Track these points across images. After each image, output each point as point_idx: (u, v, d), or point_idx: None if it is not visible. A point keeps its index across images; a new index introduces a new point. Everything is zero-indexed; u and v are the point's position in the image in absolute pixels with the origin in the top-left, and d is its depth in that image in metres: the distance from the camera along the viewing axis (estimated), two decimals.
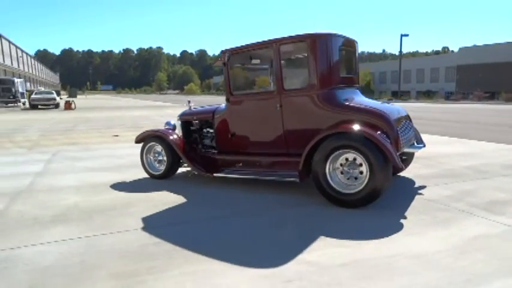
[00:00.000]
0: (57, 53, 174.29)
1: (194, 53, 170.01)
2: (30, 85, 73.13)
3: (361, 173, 3.82)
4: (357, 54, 4.88)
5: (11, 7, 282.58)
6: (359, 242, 3.02)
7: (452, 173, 5.40)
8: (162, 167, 5.23)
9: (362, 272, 2.53)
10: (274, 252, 2.85)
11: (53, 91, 32.01)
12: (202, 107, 5.70)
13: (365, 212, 3.72)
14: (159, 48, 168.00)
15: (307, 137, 4.07)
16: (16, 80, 33.46)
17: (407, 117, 4.69)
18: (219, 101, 6.25)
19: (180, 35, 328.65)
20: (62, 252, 2.89)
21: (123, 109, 25.12)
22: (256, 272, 2.56)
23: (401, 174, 5.23)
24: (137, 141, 5.49)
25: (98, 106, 31.25)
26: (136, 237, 3.18)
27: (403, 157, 4.86)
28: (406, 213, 3.68)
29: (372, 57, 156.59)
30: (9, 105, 31.48)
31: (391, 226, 3.35)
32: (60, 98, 33.59)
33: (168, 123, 5.52)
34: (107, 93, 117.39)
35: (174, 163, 5.11)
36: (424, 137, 8.39)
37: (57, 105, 27.91)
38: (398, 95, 42.86)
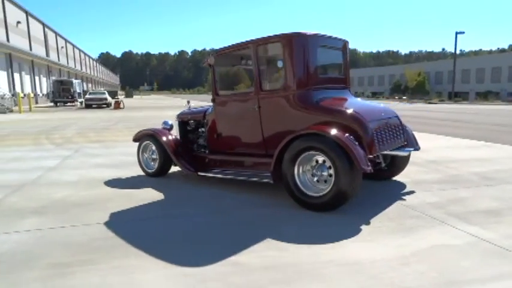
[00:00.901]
0: (118, 55, 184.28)
1: None
2: (92, 86, 78.05)
3: (330, 176, 3.71)
4: (347, 55, 4.73)
5: (79, 13, 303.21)
6: (302, 246, 2.95)
7: (455, 178, 5.06)
8: (156, 165, 5.40)
9: (283, 277, 2.47)
10: (209, 252, 2.86)
11: (105, 91, 33.89)
12: (201, 107, 5.81)
13: (331, 216, 3.61)
14: (212, 49, 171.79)
15: (283, 138, 4.02)
16: (74, 81, 35.92)
17: (396, 119, 4.46)
18: None
19: (232, 36, 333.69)
20: (18, 242, 3.10)
21: (166, 109, 25.97)
22: (180, 270, 2.59)
23: (398, 178, 5.00)
24: (134, 139, 5.71)
25: (145, 106, 32.60)
26: (92, 231, 3.32)
27: (382, 161, 4.66)
28: (374, 219, 3.52)
29: (430, 56, 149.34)
30: (68, 104, 33.81)
31: (347, 232, 3.22)
32: (117, 98, 35.60)
33: (165, 123, 5.69)
34: (162, 93, 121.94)
35: (166, 162, 5.26)
36: (450, 140, 7.97)
37: (108, 105, 29.55)
38: (452, 97, 40.51)
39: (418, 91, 52.09)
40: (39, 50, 44.20)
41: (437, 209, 3.81)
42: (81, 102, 34.49)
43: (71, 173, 5.71)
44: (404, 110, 22.77)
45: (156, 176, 5.39)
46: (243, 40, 4.44)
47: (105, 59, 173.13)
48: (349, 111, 3.87)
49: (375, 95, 60.82)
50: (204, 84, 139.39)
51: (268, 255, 2.81)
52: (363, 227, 3.34)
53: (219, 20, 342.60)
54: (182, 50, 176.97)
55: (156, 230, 3.37)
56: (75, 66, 61.98)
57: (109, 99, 30.00)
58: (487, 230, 3.21)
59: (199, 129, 5.45)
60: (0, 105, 25.37)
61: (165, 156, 5.21)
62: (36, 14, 44.52)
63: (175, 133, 5.57)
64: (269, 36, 4.22)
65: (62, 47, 56.59)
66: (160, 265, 2.66)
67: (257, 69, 4.33)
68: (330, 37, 4.43)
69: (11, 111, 24.99)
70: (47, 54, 47.96)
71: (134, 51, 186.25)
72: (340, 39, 4.64)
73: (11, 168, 6.21)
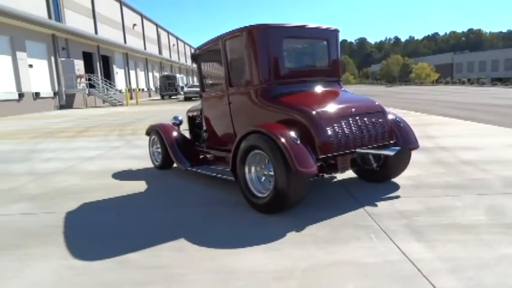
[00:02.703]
0: None
1: (354, 41, 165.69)
2: None
3: (272, 176, 3.50)
4: (334, 45, 4.33)
5: (190, 11, 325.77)
6: (205, 249, 2.86)
7: (472, 183, 4.29)
8: (160, 158, 5.66)
9: (138, 278, 2.46)
10: (114, 247, 2.93)
11: None
12: None
13: (273, 219, 3.39)
14: None
15: None
16: (178, 76, 39.06)
17: (378, 115, 3.93)
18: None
19: (340, 24, 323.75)
20: None
21: None
22: (72, 262, 2.72)
23: (400, 179, 4.44)
24: (146, 133, 6.05)
25: None
26: (52, 219, 3.65)
27: (372, 161, 4.16)
28: (313, 226, 3.22)
29: None
30: (173, 97, 36.88)
31: (269, 237, 3.01)
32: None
33: (175, 118, 5.91)
34: None
35: (167, 155, 5.48)
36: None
37: None
38: None
39: None
40: (152, 48, 48.84)
41: (400, 219, 3.31)
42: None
43: (96, 164, 6.31)
44: None
45: (161, 169, 5.66)
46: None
47: None
48: (303, 107, 3.57)
49: (500, 81, 52.61)
50: None
51: (162, 254, 2.80)
52: (291, 233, 3.09)
53: (325, 9, 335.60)
54: None
55: (106, 221, 3.56)
56: (186, 62, 67.04)
57: None
58: (430, 249, 2.71)
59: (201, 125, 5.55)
60: (113, 99, 28.83)
61: (166, 150, 5.43)
62: (150, 16, 49.14)
63: (186, 128, 5.76)
64: (233, 30, 4.09)
65: (174, 45, 61.59)
66: (60, 256, 2.84)
67: (226, 64, 4.25)
68: (304, 27, 4.11)
69: (121, 104, 28.21)
70: (160, 52, 52.73)
71: None
72: (323, 29, 4.27)
73: (59, 157, 7.10)
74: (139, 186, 4.78)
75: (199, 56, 4.78)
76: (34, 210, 3.98)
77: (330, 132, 3.48)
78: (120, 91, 33.83)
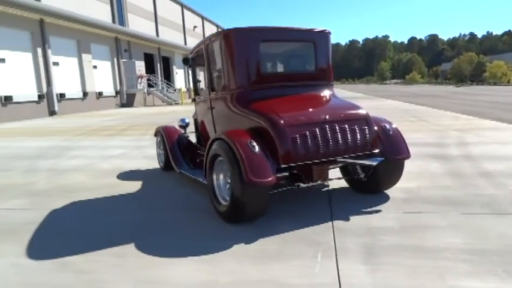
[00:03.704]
0: None
1: (424, 38, 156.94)
2: None
3: None
4: (320, 48, 4.11)
5: (246, 10, 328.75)
6: (143, 256, 2.86)
7: (476, 200, 3.85)
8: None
9: (64, 282, 2.51)
10: (64, 249, 3.04)
11: None
12: None
13: (231, 229, 3.30)
14: (385, 36, 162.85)
15: None
16: None
17: (360, 122, 3.64)
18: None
19: (408, 21, 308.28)
20: None
21: None
22: (17, 260, 2.86)
23: (392, 192, 4.10)
24: (154, 134, 6.18)
25: None
26: (33, 215, 3.86)
27: (360, 171, 3.88)
28: (266, 239, 3.07)
29: None
30: None
31: (212, 248, 2.93)
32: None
33: (182, 120, 5.98)
34: None
35: (168, 157, 5.55)
36: None
37: None
38: None
39: None
40: None
41: (363, 237, 3.05)
42: None
43: (112, 162, 6.60)
44: None
45: (166, 170, 5.76)
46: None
47: None
48: (269, 114, 3.42)
49: None
50: (374, 73, 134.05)
51: (101, 259, 2.83)
52: (238, 246, 2.98)
53: (393, 5, 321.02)
54: (353, 39, 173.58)
55: (76, 221, 3.70)
56: None
57: None
58: (371, 274, 2.46)
59: None
60: (169, 98, 30.04)
61: (167, 152, 5.52)
62: (211, 18, 50.47)
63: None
64: (212, 34, 4.04)
65: None
66: (16, 253, 2.99)
67: (208, 68, 4.21)
68: (285, 29, 3.94)
69: (177, 103, 29.31)
70: None
71: None
72: (308, 31, 4.07)
73: (85, 155, 7.52)
74: (133, 187, 4.90)
75: (192, 59, 4.78)
76: (26, 206, 4.24)
77: (296, 141, 3.30)
78: (177, 90, 35.17)
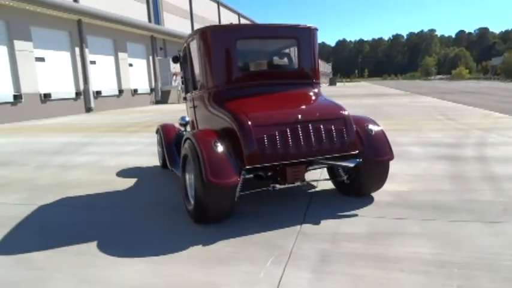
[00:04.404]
0: (333, 44, 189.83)
1: (473, 32, 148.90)
2: None
3: None
4: (304, 44, 3.98)
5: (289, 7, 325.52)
6: (100, 255, 2.90)
7: (465, 206, 3.59)
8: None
9: (12, 278, 2.59)
10: (29, 244, 3.14)
11: None
12: None
13: (196, 230, 3.27)
14: (432, 30, 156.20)
15: None
16: None
17: (337, 122, 3.48)
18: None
19: (456, 14, 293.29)
20: None
21: (348, 97, 25.50)
22: None
23: (379, 195, 3.91)
24: (156, 132, 6.25)
25: (331, 95, 32.68)
26: (20, 210, 4.02)
27: (342, 173, 3.73)
28: (225, 242, 3.02)
29: None
30: None
31: (167, 249, 2.92)
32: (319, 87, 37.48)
33: (182, 118, 6.00)
34: (372, 80, 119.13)
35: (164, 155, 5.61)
36: None
37: None
38: None
39: None
40: None
41: (325, 242, 2.93)
42: None
43: (119, 159, 6.75)
44: None
45: (164, 168, 5.82)
46: None
47: (321, 49, 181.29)
48: (238, 113, 3.35)
49: None
50: (418, 69, 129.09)
51: (59, 256, 2.89)
52: (194, 247, 2.94)
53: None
54: (397, 34, 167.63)
55: (53, 217, 3.81)
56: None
57: None
58: (314, 283, 2.36)
59: None
60: None
61: (163, 149, 5.57)
62: (248, 14, 50.60)
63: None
64: (192, 32, 4.01)
65: None
66: None
67: (190, 66, 4.19)
68: (264, 26, 3.85)
69: None
70: None
71: (348, 39, 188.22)
72: (290, 27, 3.94)
73: (100, 151, 7.75)
74: (126, 184, 4.99)
75: (182, 57, 4.78)
76: (20, 201, 4.42)
77: (263, 141, 3.21)
78: None
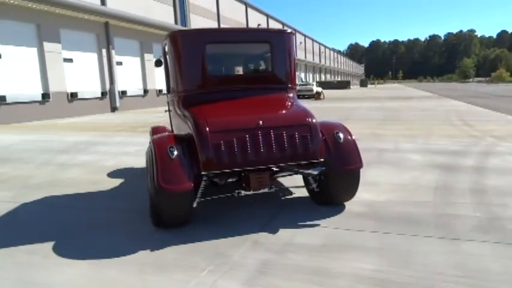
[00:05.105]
0: (366, 45, 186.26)
1: None
2: (330, 76, 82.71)
3: None
4: (278, 49, 3.91)
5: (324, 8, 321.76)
6: (51, 255, 2.96)
7: (434, 221, 3.42)
8: None
9: None
10: None
11: (312, 83, 35.53)
12: None
13: (154, 235, 3.29)
14: (471, 31, 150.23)
15: None
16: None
17: (301, 128, 3.39)
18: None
19: (497, 14, 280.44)
20: None
21: (372, 100, 24.95)
22: None
23: (351, 205, 3.79)
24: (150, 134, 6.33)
25: (357, 97, 32.15)
26: (3, 208, 4.19)
27: (312, 181, 3.63)
28: (174, 248, 3.01)
29: None
30: None
31: (116, 252, 2.94)
32: (349, 88, 37.74)
33: None
34: (407, 82, 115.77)
35: None
36: None
37: (314, 95, 31.13)
38: None
39: None
40: None
41: (271, 253, 2.86)
42: None
43: (119, 159, 6.90)
44: None
45: None
46: None
47: (354, 49, 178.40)
48: (197, 118, 3.33)
49: None
50: (456, 71, 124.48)
51: (13, 255, 2.98)
52: (141, 252, 2.95)
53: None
54: (434, 35, 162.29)
55: (29, 215, 3.95)
56: (313, 60, 67.10)
57: (315, 90, 31.47)
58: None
59: None
60: None
61: None
62: (276, 15, 50.52)
63: None
64: (165, 35, 4.02)
65: (301, 43, 62.09)
66: None
67: (166, 70, 4.21)
68: (236, 30, 3.84)
69: None
70: None
71: (382, 40, 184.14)
72: (262, 31, 3.93)
73: (105, 150, 7.96)
74: (112, 184, 5.08)
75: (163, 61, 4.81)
76: (8, 198, 4.58)
77: (219, 147, 3.17)
78: None
